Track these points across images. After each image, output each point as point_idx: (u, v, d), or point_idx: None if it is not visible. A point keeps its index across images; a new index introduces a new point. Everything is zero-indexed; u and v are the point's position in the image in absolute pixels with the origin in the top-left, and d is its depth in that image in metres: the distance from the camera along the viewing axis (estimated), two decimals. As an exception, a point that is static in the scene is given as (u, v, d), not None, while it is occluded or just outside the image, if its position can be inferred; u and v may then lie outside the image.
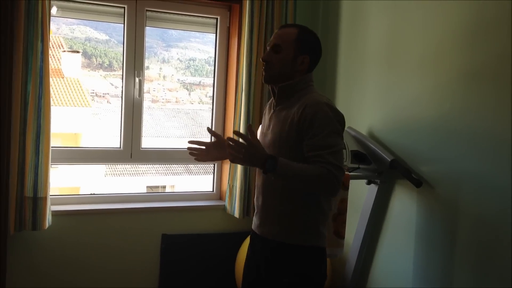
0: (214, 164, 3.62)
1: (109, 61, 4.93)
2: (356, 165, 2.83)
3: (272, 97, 2.10)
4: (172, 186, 6.81)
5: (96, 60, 4.92)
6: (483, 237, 2.29)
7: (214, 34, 3.53)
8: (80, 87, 5.54)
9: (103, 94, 5.47)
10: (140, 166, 6.39)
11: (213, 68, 3.56)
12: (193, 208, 3.39)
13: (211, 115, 3.59)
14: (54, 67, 5.02)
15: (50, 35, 2.86)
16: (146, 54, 3.35)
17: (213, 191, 3.60)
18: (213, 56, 3.55)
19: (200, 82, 4.67)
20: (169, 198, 3.51)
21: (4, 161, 2.72)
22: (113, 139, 3.41)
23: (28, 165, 2.79)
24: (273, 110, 2.08)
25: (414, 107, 2.68)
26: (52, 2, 2.88)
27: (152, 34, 3.68)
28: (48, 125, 2.82)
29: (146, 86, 3.41)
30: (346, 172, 2.76)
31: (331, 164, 1.83)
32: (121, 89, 3.29)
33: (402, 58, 2.79)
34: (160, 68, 4.77)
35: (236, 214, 3.31)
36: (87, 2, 3.17)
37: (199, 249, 3.36)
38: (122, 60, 3.27)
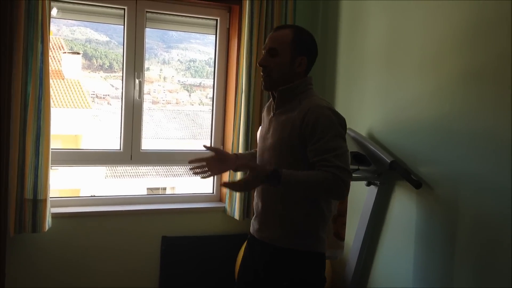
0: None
1: (109, 63, 4.94)
2: (356, 167, 2.82)
3: (272, 100, 2.08)
4: (173, 188, 6.81)
5: (97, 62, 4.93)
6: (483, 238, 2.28)
7: (214, 35, 3.53)
8: (81, 88, 5.54)
9: (104, 95, 5.47)
10: (140, 168, 6.39)
11: (213, 69, 3.56)
12: (193, 210, 3.39)
13: (211, 116, 3.59)
14: (55, 68, 5.03)
15: (51, 36, 2.86)
16: (147, 56, 3.35)
17: (213, 193, 3.60)
18: (213, 57, 3.55)
19: (200, 83, 4.68)
20: (169, 200, 3.51)
21: (4, 163, 2.72)
22: (113, 141, 3.41)
23: (28, 167, 2.79)
24: (272, 113, 2.06)
25: (414, 108, 2.68)
26: (52, 3, 2.88)
27: (152, 36, 3.68)
28: (48, 126, 2.82)
29: (146, 88, 3.41)
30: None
31: (336, 167, 1.81)
32: (121, 90, 3.29)
33: (402, 58, 2.78)
34: (161, 70, 4.78)
35: (236, 216, 3.30)
36: (87, 3, 3.17)
37: (199, 251, 3.35)
38: (122, 61, 3.27)
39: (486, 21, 2.27)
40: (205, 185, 3.71)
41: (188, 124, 6.05)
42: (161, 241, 3.27)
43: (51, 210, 2.93)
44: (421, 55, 2.64)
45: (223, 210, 3.43)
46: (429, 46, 2.59)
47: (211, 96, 3.60)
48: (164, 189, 6.83)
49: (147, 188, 6.68)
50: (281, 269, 1.98)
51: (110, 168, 6.63)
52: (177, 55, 4.54)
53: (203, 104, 4.86)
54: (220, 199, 3.58)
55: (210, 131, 3.59)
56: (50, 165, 2.85)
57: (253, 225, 2.12)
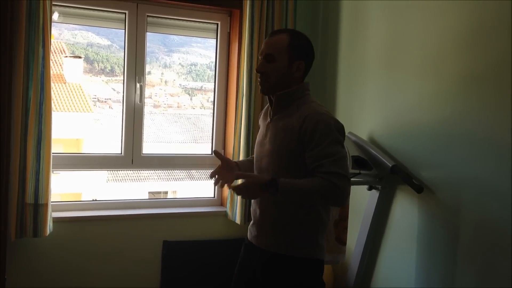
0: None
1: (111, 66, 4.94)
2: (357, 171, 2.81)
3: (269, 105, 2.07)
4: (174, 192, 6.81)
5: (98, 66, 4.93)
6: (485, 242, 2.27)
7: (215, 39, 3.53)
8: (82, 92, 5.55)
9: (105, 99, 5.48)
10: (142, 171, 6.39)
11: (214, 73, 3.57)
12: (194, 214, 3.38)
13: (212, 120, 3.59)
14: (56, 72, 5.04)
15: (52, 40, 2.86)
16: (148, 59, 3.35)
17: (214, 197, 3.60)
18: (214, 61, 3.56)
19: (201, 87, 4.67)
20: (170, 204, 3.50)
21: (5, 167, 2.72)
22: (115, 145, 3.41)
23: (29, 171, 2.79)
24: (270, 118, 2.05)
25: (415, 112, 2.67)
26: (53, 7, 2.88)
27: (153, 39, 3.68)
28: (49, 131, 2.82)
29: (147, 91, 3.41)
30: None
31: (333, 174, 1.81)
32: (122, 94, 3.29)
33: (402, 62, 2.78)
34: (162, 73, 4.77)
35: (237, 220, 3.30)
36: (89, 8, 3.18)
37: (200, 255, 3.35)
38: (123, 65, 3.27)
39: (486, 24, 2.27)
40: (206, 189, 3.71)
41: (190, 128, 6.05)
42: (162, 246, 3.27)
43: (52, 214, 2.93)
44: (422, 59, 2.64)
45: (224, 214, 3.43)
46: (429, 49, 2.58)
47: (212, 100, 3.60)
48: (166, 193, 6.83)
49: (149, 192, 6.68)
50: (280, 275, 1.97)
51: (111, 172, 6.64)
52: (179, 58, 4.54)
53: (204, 108, 4.85)
54: (221, 203, 3.57)
55: (211, 135, 3.59)
56: (51, 169, 2.85)
57: (251, 231, 2.11)
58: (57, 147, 3.05)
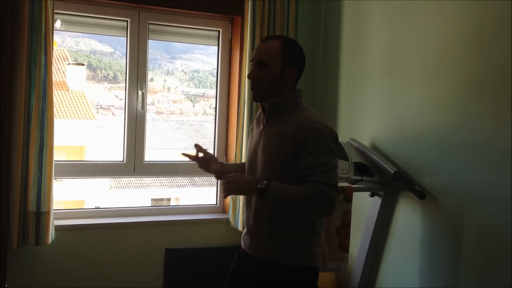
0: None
1: (113, 74, 4.96)
2: (359, 177, 2.81)
3: (261, 112, 2.06)
4: (177, 199, 6.81)
5: (101, 73, 4.95)
6: (488, 247, 2.26)
7: (217, 46, 3.54)
8: (85, 99, 5.57)
9: (108, 106, 5.49)
10: (144, 178, 6.40)
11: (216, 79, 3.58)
12: (196, 222, 3.38)
13: (214, 126, 3.59)
14: (59, 79, 5.06)
15: (55, 48, 2.87)
16: (151, 66, 3.36)
17: (216, 204, 3.59)
18: (216, 68, 3.56)
19: (204, 93, 4.68)
20: (172, 212, 3.50)
21: (7, 175, 2.72)
22: (118, 152, 3.42)
23: (31, 179, 2.79)
24: (262, 126, 2.03)
25: (417, 118, 2.67)
26: (56, 16, 2.90)
27: (156, 46, 3.69)
28: (51, 138, 2.82)
29: (150, 98, 3.42)
30: (348, 185, 2.74)
31: (324, 183, 1.80)
32: (124, 102, 3.30)
33: (404, 68, 2.78)
34: (165, 80, 4.79)
35: (240, 227, 3.29)
36: (91, 16, 3.19)
37: (203, 263, 3.33)
38: (125, 73, 3.28)
39: (488, 29, 2.26)
40: (209, 196, 3.70)
41: (192, 134, 6.06)
42: (165, 253, 3.26)
43: (54, 222, 2.92)
44: (423, 64, 2.63)
45: (227, 221, 3.42)
46: (431, 55, 2.58)
47: (215, 106, 3.60)
48: (169, 199, 6.83)
49: (152, 199, 6.69)
50: (275, 284, 1.95)
51: (114, 179, 6.65)
52: (181, 65, 4.55)
53: (207, 114, 4.86)
54: (224, 210, 3.57)
55: (213, 141, 3.59)
56: (53, 177, 2.85)
57: (244, 240, 2.10)
58: (60, 154, 3.05)
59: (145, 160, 3.35)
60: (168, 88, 4.95)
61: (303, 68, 2.04)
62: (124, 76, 3.32)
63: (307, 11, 3.54)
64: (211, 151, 3.58)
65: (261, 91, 1.97)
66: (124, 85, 3.31)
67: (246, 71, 3.24)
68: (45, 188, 2.81)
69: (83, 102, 5.55)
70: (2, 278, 2.75)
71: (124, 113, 3.30)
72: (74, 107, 5.45)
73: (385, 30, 2.94)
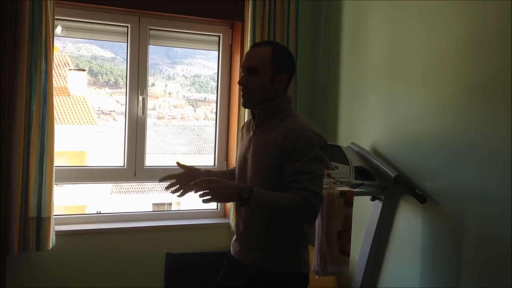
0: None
1: (115, 79, 4.96)
2: (360, 181, 2.80)
3: (251, 118, 2.05)
4: (178, 203, 6.80)
5: (102, 78, 4.95)
6: (488, 251, 2.25)
7: (217, 51, 3.55)
8: (86, 105, 5.58)
9: (109, 111, 5.49)
10: (145, 183, 6.39)
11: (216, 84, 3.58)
12: (197, 226, 3.38)
13: (214, 131, 3.59)
14: (60, 85, 5.07)
15: (56, 53, 2.88)
16: (152, 71, 3.36)
17: (217, 208, 3.59)
18: (217, 72, 3.57)
19: (205, 98, 4.68)
20: (173, 217, 3.50)
21: (8, 180, 2.72)
22: (119, 157, 3.42)
23: (31, 185, 2.79)
24: (252, 132, 2.03)
25: (417, 122, 2.67)
26: (56, 22, 2.90)
27: (157, 51, 3.70)
28: (52, 144, 2.82)
29: (151, 103, 3.43)
30: (349, 189, 2.74)
31: (308, 191, 1.80)
32: (125, 107, 3.30)
33: (404, 72, 2.78)
34: (166, 85, 4.79)
35: (241, 231, 3.28)
36: (91, 21, 3.20)
37: (204, 268, 3.33)
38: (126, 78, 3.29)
39: (488, 34, 2.26)
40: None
41: (193, 139, 6.05)
42: (166, 258, 3.26)
43: (55, 228, 2.93)
44: (424, 69, 2.63)
45: (228, 226, 3.41)
46: (431, 60, 2.58)
47: (215, 111, 3.61)
48: (170, 204, 6.82)
49: (153, 204, 6.67)
50: None
51: (115, 184, 6.64)
52: (182, 70, 4.55)
53: (208, 119, 4.86)
54: (225, 214, 3.57)
55: (214, 146, 3.59)
56: (54, 182, 2.86)
57: (234, 247, 2.09)
58: (62, 159, 3.06)
59: (146, 165, 3.35)
60: (169, 93, 4.95)
61: (294, 74, 2.04)
62: (125, 81, 3.33)
63: (307, 13, 3.54)
64: (211, 156, 3.60)
65: (251, 97, 1.97)
66: (124, 90, 3.32)
67: (246, 76, 3.24)
68: (45, 193, 2.81)
69: (84, 107, 5.56)
70: (3, 284, 2.75)
71: (124, 118, 3.30)
72: (76, 113, 5.45)
73: (385, 32, 2.94)
